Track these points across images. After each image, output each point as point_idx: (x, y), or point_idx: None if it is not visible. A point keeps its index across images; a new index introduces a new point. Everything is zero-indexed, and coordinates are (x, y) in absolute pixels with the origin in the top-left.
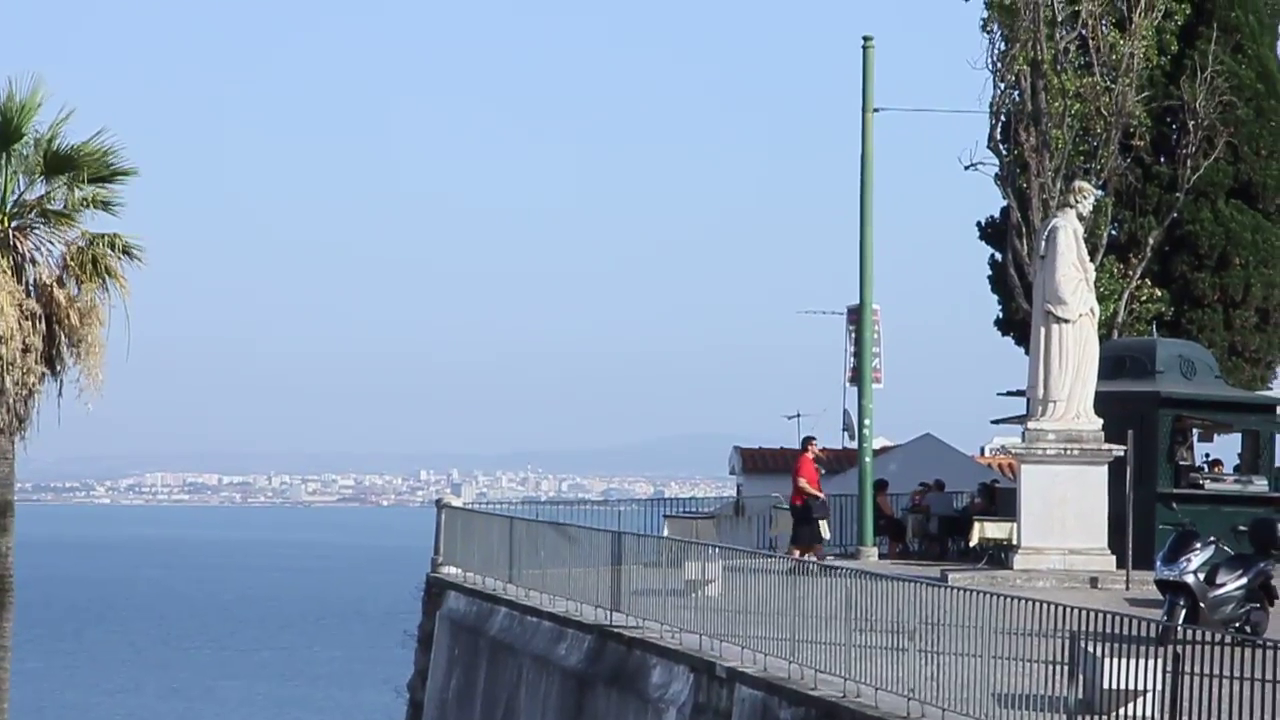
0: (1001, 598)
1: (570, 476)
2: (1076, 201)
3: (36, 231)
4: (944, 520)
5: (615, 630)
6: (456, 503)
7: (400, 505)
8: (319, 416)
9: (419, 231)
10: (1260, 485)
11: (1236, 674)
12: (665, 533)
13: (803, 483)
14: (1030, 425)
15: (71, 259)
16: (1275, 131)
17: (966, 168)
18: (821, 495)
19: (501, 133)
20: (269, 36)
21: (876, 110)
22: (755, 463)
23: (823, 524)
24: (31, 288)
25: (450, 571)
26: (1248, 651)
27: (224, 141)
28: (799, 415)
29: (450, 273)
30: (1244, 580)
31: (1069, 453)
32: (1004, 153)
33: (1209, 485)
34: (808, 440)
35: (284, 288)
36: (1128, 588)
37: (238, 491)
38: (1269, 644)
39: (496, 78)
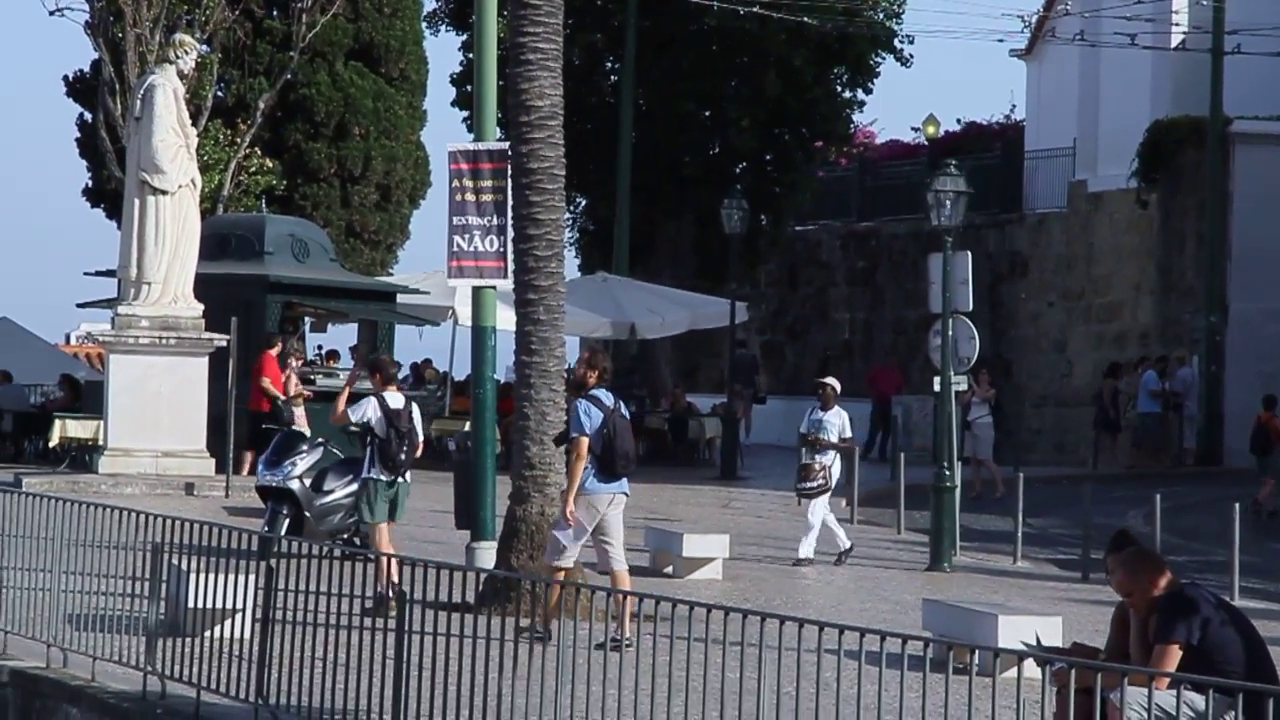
0: (77, 504)
1: None
2: (177, 57)
3: None
4: (19, 417)
5: None
6: None
7: None
8: None
9: None
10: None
11: (334, 589)
12: None
13: (266, 383)
14: (121, 310)
15: None
16: None
17: (52, 13)
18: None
19: None
20: None
21: None
22: None
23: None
24: None
25: None
26: (348, 565)
27: None
28: None
29: None
30: (353, 487)
31: (165, 342)
32: None
33: (321, 381)
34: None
35: None
36: (228, 494)
37: None
38: (368, 555)
39: None
